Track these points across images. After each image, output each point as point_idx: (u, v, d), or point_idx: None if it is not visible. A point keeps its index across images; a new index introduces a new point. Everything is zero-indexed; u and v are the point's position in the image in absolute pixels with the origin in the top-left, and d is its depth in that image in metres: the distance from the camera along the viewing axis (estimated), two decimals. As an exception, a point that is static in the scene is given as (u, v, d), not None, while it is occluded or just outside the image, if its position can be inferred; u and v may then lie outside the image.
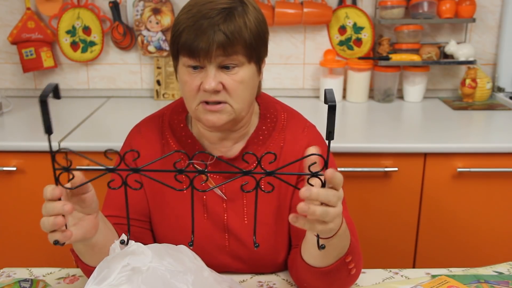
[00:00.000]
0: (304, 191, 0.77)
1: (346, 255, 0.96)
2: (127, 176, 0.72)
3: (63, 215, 0.80)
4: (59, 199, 0.80)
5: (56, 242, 0.81)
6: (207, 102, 1.01)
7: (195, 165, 0.77)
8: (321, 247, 0.84)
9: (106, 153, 0.71)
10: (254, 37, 1.00)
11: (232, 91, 1.00)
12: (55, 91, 0.69)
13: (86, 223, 0.88)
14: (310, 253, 0.98)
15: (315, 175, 0.74)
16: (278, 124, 1.14)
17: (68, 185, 0.81)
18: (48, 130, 0.68)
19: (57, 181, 0.75)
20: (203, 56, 0.97)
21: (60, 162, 0.75)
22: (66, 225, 0.83)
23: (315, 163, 0.78)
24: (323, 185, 0.76)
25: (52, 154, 0.72)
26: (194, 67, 1.00)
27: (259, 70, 1.07)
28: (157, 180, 0.73)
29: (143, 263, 0.83)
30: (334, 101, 0.68)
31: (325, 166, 0.75)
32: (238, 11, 0.99)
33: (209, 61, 0.98)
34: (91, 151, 1.81)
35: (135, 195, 1.12)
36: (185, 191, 1.12)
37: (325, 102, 0.69)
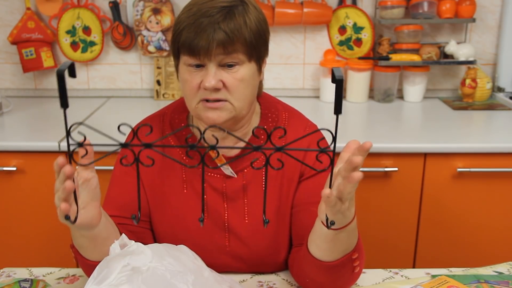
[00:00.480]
0: (350, 144, 0.82)
1: (353, 252, 0.96)
2: (140, 152, 0.73)
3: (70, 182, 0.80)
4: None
5: (67, 217, 0.81)
6: (207, 100, 1.01)
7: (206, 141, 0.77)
8: (331, 223, 0.85)
9: (119, 127, 0.71)
10: (254, 36, 1.01)
11: (232, 89, 1.01)
12: (71, 69, 0.70)
13: (93, 208, 0.89)
14: (317, 245, 0.97)
15: (323, 150, 0.74)
16: (279, 123, 1.14)
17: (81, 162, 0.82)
18: (64, 104, 0.69)
19: (70, 157, 0.76)
20: (203, 54, 0.98)
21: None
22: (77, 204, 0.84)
23: (323, 138, 0.78)
24: (331, 162, 0.76)
25: (67, 129, 0.73)
26: (195, 66, 1.00)
27: (260, 70, 1.08)
28: (168, 156, 0.73)
29: (143, 263, 0.83)
30: (342, 76, 0.70)
31: (334, 141, 0.75)
32: (239, 10, 0.99)
33: (209, 59, 0.98)
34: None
35: (135, 194, 1.12)
36: (185, 190, 1.12)
37: (332, 80, 0.71)
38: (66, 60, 0.70)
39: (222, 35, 0.97)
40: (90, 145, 0.79)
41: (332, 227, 0.86)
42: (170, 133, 1.02)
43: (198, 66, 1.00)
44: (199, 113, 1.04)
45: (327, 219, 0.85)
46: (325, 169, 0.77)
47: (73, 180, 0.80)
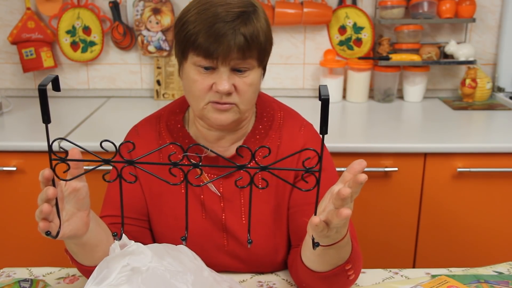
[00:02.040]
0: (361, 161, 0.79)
1: (346, 263, 0.96)
2: (122, 169, 0.73)
3: (50, 203, 0.80)
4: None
5: (48, 233, 0.81)
6: (217, 102, 1.02)
7: (190, 159, 0.77)
8: (315, 245, 0.84)
9: (102, 144, 0.71)
10: (267, 41, 1.02)
11: (243, 93, 1.02)
12: (55, 83, 0.69)
13: (78, 220, 0.88)
14: (307, 256, 0.98)
15: (309, 170, 0.74)
16: (275, 123, 1.14)
17: (65, 177, 0.82)
18: (46, 120, 0.69)
19: (53, 172, 0.76)
20: (221, 59, 0.97)
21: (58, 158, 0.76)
22: (60, 220, 0.83)
23: (309, 158, 0.78)
24: (318, 182, 0.76)
25: (49, 144, 0.72)
26: (205, 68, 1.00)
27: (263, 74, 1.09)
28: (151, 173, 0.73)
29: (143, 263, 0.83)
30: (328, 95, 0.69)
31: (319, 161, 0.75)
32: (254, 16, 0.99)
33: (226, 63, 0.98)
34: (91, 151, 1.81)
35: (133, 194, 1.13)
36: (182, 190, 1.12)
37: (319, 98, 0.70)
38: (49, 75, 0.69)
39: (242, 40, 0.96)
40: (73, 160, 0.78)
41: (321, 244, 0.86)
42: (157, 148, 1.04)
43: (208, 68, 1.00)
44: (206, 114, 1.04)
45: (313, 239, 0.84)
46: (310, 189, 0.74)
47: (55, 198, 0.79)
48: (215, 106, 1.02)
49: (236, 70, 1.00)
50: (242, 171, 0.73)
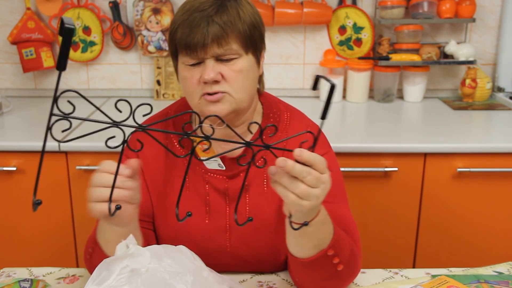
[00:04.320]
0: (280, 160, 0.80)
1: (328, 249, 0.94)
2: (132, 133, 0.73)
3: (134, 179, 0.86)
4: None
5: (118, 207, 0.84)
6: (208, 94, 1.02)
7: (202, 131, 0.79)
8: (292, 225, 0.86)
9: (116, 104, 0.71)
10: (249, 28, 1.02)
11: (231, 80, 1.02)
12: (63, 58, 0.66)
13: (129, 209, 0.91)
14: (290, 241, 0.97)
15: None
16: (281, 123, 1.14)
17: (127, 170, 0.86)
18: (62, 65, 0.66)
19: (50, 129, 0.72)
20: (200, 49, 0.99)
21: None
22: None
23: (306, 140, 0.80)
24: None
25: (55, 97, 0.71)
26: (193, 64, 1.02)
27: (258, 63, 1.08)
28: (158, 141, 0.74)
29: (142, 265, 0.83)
30: (334, 83, 0.73)
31: (314, 144, 0.78)
32: (231, 3, 1.01)
33: (206, 53, 0.99)
34: (91, 151, 1.82)
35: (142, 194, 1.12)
36: (188, 191, 1.12)
37: (313, 88, 0.72)
38: (68, 18, 0.66)
39: (216, 28, 0.98)
40: (75, 118, 0.75)
41: (294, 221, 0.87)
42: (171, 117, 1.05)
43: (195, 64, 1.02)
44: (201, 109, 1.05)
45: (290, 218, 0.87)
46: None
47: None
48: (206, 98, 1.02)
49: (222, 60, 1.01)
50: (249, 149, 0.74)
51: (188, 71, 1.03)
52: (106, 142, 0.76)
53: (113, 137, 0.75)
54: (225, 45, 0.99)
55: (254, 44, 1.04)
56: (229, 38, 0.99)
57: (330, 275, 0.99)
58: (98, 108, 0.74)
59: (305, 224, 0.86)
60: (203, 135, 0.75)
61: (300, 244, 0.95)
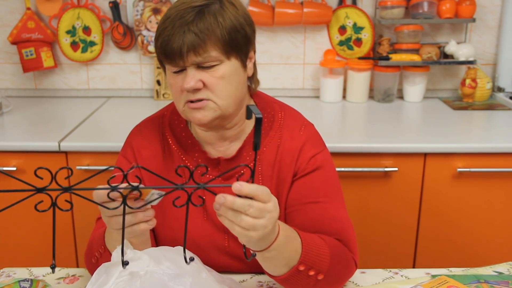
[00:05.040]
0: (219, 196, 0.78)
1: (298, 265, 0.94)
2: (58, 196, 0.73)
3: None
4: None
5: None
6: (191, 102, 1.02)
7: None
8: (246, 257, 0.86)
9: (36, 172, 0.70)
10: (228, 32, 1.00)
11: (213, 87, 1.01)
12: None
13: (143, 226, 0.89)
14: (259, 262, 0.96)
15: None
16: (275, 123, 1.14)
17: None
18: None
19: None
20: (178, 58, 0.99)
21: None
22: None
23: (243, 173, 0.79)
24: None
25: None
26: (176, 72, 1.02)
27: (244, 66, 1.07)
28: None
29: (141, 268, 0.83)
30: (260, 114, 0.75)
31: (252, 176, 0.78)
32: (210, 9, 0.99)
33: (184, 62, 0.99)
34: (91, 151, 1.82)
35: None
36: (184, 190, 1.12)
37: (248, 117, 0.76)
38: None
39: (192, 37, 0.97)
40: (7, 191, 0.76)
41: (251, 251, 0.87)
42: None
43: (178, 71, 1.02)
44: (187, 115, 1.05)
45: (244, 250, 0.87)
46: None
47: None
48: (189, 106, 1.03)
49: (203, 67, 1.00)
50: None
51: (172, 78, 1.03)
52: (35, 207, 0.75)
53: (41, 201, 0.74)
54: (203, 53, 0.98)
55: (237, 48, 1.02)
56: (206, 46, 0.98)
57: (312, 285, 0.99)
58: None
59: (253, 255, 0.86)
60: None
61: (269, 266, 0.95)
